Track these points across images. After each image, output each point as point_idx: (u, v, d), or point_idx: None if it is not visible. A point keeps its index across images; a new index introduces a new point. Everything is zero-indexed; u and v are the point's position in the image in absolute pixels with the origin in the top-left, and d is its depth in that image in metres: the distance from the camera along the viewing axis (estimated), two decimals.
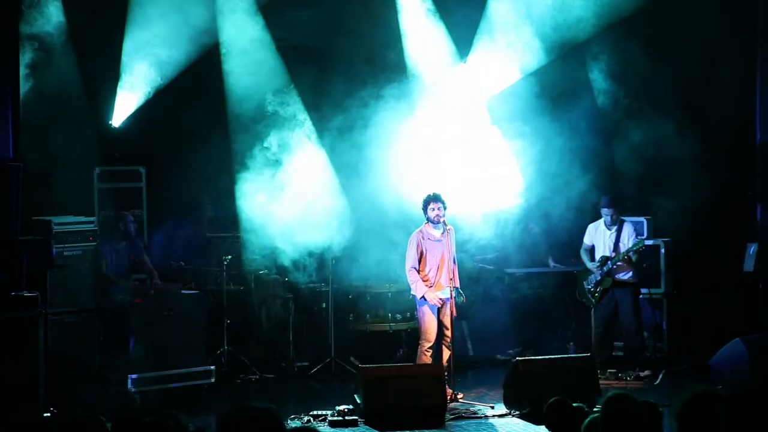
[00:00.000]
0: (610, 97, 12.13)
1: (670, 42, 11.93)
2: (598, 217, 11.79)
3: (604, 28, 11.85)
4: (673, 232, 12.33)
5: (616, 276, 11.61)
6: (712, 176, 11.90)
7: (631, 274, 11.62)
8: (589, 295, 11.74)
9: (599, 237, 11.72)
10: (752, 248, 11.56)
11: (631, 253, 11.45)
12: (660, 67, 12.00)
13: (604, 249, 11.65)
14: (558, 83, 11.99)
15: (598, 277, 11.63)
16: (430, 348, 10.60)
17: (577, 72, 12.17)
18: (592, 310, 11.74)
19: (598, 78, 12.20)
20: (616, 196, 11.80)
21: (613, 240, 11.58)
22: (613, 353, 11.95)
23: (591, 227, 11.82)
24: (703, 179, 11.87)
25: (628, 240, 11.54)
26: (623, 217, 11.75)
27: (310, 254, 11.96)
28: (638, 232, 11.82)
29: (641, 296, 11.84)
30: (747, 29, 11.40)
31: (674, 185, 12.20)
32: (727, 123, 11.84)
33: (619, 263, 11.52)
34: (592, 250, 11.80)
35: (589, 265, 11.75)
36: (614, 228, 11.61)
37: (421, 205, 10.64)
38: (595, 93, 12.20)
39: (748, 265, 11.80)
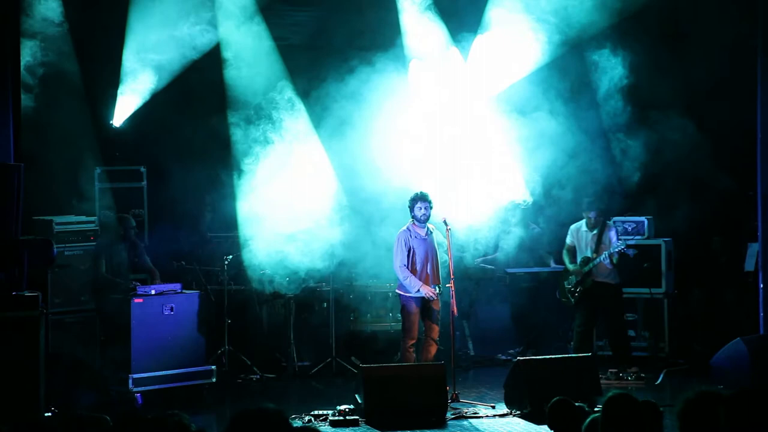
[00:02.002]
0: (614, 95, 12.11)
1: (674, 41, 11.93)
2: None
3: (610, 26, 11.85)
4: (673, 232, 12.34)
5: (597, 277, 11.62)
6: (713, 176, 11.90)
7: (612, 275, 11.61)
8: (569, 295, 11.76)
9: (581, 238, 11.76)
10: (752, 248, 11.57)
11: (612, 256, 11.43)
12: (664, 66, 11.99)
13: (585, 250, 11.69)
14: (562, 81, 11.98)
15: (580, 278, 11.66)
16: (412, 345, 10.78)
17: (581, 70, 12.15)
18: (575, 310, 11.75)
19: (602, 76, 12.18)
20: (597, 199, 11.78)
21: (595, 241, 11.61)
22: (600, 353, 11.96)
23: (573, 228, 11.86)
24: (704, 179, 11.88)
25: (609, 242, 11.54)
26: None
27: (311, 254, 11.96)
28: (620, 234, 11.83)
29: (623, 296, 11.89)
30: (749, 30, 11.40)
31: (675, 185, 12.22)
32: (729, 122, 11.83)
33: (600, 263, 11.52)
34: (573, 251, 11.82)
35: (570, 266, 11.79)
36: (596, 230, 11.65)
37: (408, 204, 10.81)
38: (599, 91, 12.18)
39: (749, 265, 11.80)
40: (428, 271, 10.81)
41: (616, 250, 11.37)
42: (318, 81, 12.14)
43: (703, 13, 11.61)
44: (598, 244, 11.56)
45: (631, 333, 12.19)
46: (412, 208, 10.82)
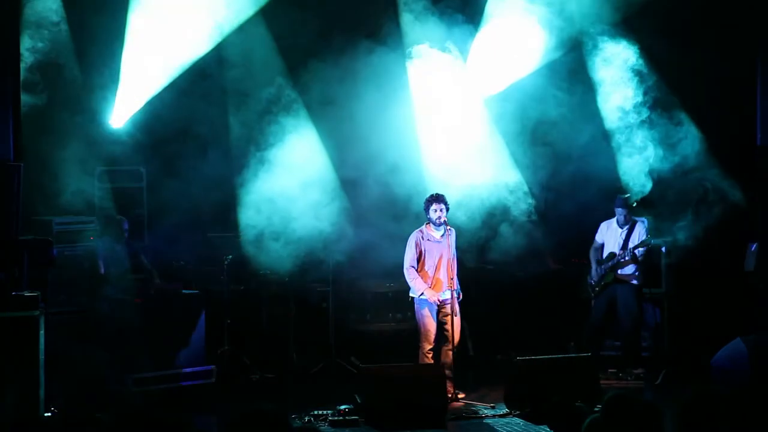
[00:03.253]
0: (615, 96, 12.10)
1: (675, 41, 11.92)
2: (610, 215, 11.83)
3: (612, 24, 11.85)
4: (673, 232, 12.33)
5: (620, 272, 11.66)
6: (713, 176, 11.90)
7: (634, 272, 11.65)
8: (590, 290, 11.84)
9: (610, 235, 11.82)
10: (752, 248, 11.56)
11: (637, 251, 11.50)
12: (665, 66, 11.98)
13: (613, 246, 11.77)
14: (562, 80, 11.97)
15: (603, 272, 11.70)
16: (431, 350, 10.61)
17: (582, 69, 12.15)
18: (592, 302, 11.79)
19: (603, 77, 12.17)
20: (630, 196, 11.83)
21: (623, 238, 11.65)
22: (609, 353, 11.97)
23: (603, 225, 11.90)
24: (704, 179, 11.87)
25: (637, 239, 11.59)
26: (635, 218, 11.81)
27: (311, 254, 11.96)
28: (648, 232, 11.85)
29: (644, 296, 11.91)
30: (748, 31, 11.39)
31: (675, 185, 12.20)
32: (730, 122, 11.83)
33: (625, 260, 11.56)
34: (601, 249, 11.85)
35: (594, 266, 11.84)
36: (626, 227, 11.67)
37: (423, 206, 10.67)
38: (600, 92, 12.18)
39: (749, 264, 11.80)
40: (440, 275, 10.60)
41: (638, 243, 11.40)
42: (318, 78, 12.14)
43: (705, 14, 11.60)
44: (627, 241, 11.63)
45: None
46: (427, 210, 10.59)
